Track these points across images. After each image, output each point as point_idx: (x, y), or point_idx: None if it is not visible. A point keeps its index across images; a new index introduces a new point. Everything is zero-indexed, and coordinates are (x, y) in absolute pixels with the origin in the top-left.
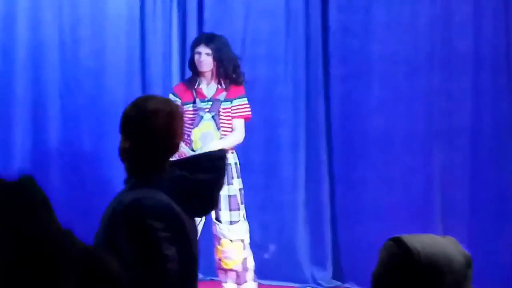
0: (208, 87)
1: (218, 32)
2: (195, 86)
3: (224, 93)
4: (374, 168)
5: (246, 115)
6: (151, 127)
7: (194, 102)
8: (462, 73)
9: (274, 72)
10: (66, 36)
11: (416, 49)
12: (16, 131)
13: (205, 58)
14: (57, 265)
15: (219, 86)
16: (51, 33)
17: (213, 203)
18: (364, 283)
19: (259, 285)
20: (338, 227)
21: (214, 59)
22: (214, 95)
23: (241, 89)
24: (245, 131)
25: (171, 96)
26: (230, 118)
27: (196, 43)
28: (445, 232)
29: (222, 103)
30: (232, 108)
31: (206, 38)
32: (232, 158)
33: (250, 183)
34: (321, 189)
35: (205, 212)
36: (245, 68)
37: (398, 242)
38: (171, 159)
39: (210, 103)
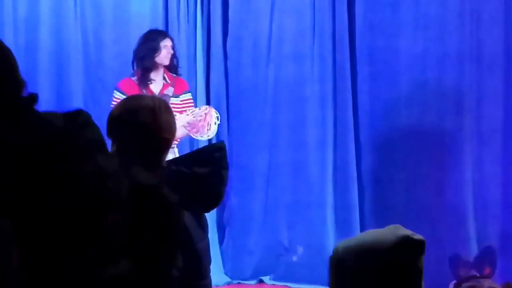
0: (156, 83)
1: (243, 31)
2: (148, 83)
3: (171, 88)
4: (403, 167)
5: None
6: (135, 125)
7: None
8: (491, 70)
9: (300, 71)
10: (89, 38)
11: (444, 46)
12: None
13: (171, 51)
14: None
15: (165, 81)
16: (75, 35)
17: (217, 197)
18: None
19: (287, 287)
20: (367, 227)
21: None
22: (161, 90)
23: (186, 84)
24: (272, 131)
25: (115, 93)
26: (177, 113)
27: (162, 37)
28: (478, 231)
29: (171, 98)
30: (180, 102)
31: (166, 33)
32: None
33: (278, 183)
34: (350, 189)
35: (209, 206)
36: (271, 68)
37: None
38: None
39: None
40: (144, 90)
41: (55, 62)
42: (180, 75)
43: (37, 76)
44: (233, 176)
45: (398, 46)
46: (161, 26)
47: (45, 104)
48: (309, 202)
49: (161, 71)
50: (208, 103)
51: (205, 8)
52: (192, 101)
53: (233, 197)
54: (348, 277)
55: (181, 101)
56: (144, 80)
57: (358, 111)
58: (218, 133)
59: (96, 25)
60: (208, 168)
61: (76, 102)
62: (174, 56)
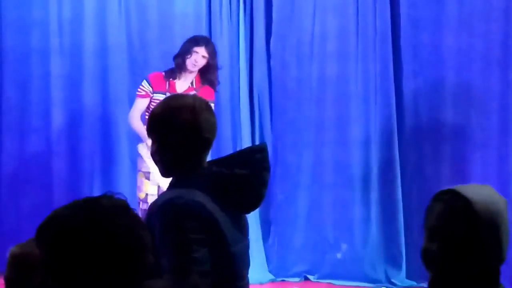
0: (182, 83)
1: (286, 30)
2: (171, 78)
3: (194, 93)
4: (447, 164)
5: None
6: (174, 124)
7: (165, 93)
8: None
9: (344, 69)
10: (134, 39)
11: (488, 42)
12: (86, 133)
13: (201, 60)
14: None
15: (191, 85)
16: (119, 36)
17: (258, 199)
18: None
19: (332, 285)
20: (412, 225)
21: (208, 62)
22: (184, 91)
23: (211, 93)
24: (316, 129)
25: (143, 82)
26: None
27: (197, 43)
28: None
29: None
30: None
31: (206, 42)
32: None
33: (322, 181)
34: (394, 187)
35: (249, 208)
36: (314, 66)
37: (455, 194)
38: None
39: None
40: (167, 84)
41: (100, 63)
42: (216, 88)
43: (82, 78)
44: (278, 174)
45: (442, 43)
46: (204, 26)
47: (90, 105)
48: (353, 199)
49: (192, 74)
50: (251, 101)
51: (248, 7)
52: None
53: (278, 195)
54: (478, 233)
55: None
56: (170, 74)
57: (401, 108)
58: (262, 132)
59: (140, 25)
60: (249, 170)
61: (122, 103)
62: (210, 67)
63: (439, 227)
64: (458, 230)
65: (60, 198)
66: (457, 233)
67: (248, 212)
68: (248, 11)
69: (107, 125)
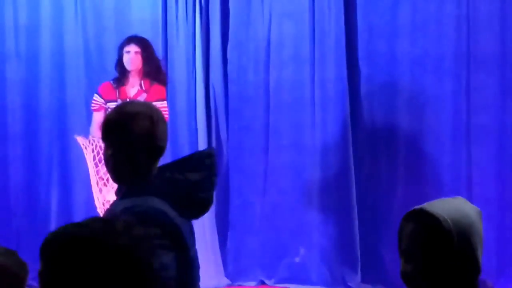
0: (131, 88)
1: (243, 36)
2: (120, 85)
3: (144, 95)
4: (401, 169)
5: None
6: (131, 130)
7: (117, 101)
8: (488, 72)
9: (300, 75)
10: (90, 44)
11: (442, 49)
12: (43, 138)
13: (134, 56)
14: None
15: (140, 88)
16: (76, 41)
17: (208, 203)
18: (393, 286)
19: None
20: (368, 229)
21: (142, 57)
22: (134, 95)
23: (162, 92)
24: (272, 134)
25: (95, 96)
26: None
27: (126, 43)
28: None
29: None
30: None
31: (135, 38)
32: None
33: (279, 185)
34: (349, 191)
35: (201, 213)
36: (271, 71)
37: (424, 213)
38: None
39: None
40: (117, 92)
41: (56, 68)
42: (166, 82)
43: (39, 82)
44: (235, 179)
45: (397, 49)
46: (160, 32)
47: (46, 109)
48: (309, 204)
49: (138, 76)
50: (207, 106)
51: (204, 13)
52: (165, 108)
53: (234, 199)
54: (451, 249)
55: None
56: (118, 82)
57: (356, 113)
58: (218, 137)
59: (97, 31)
60: (199, 174)
61: (78, 108)
62: (148, 61)
63: (411, 248)
64: (430, 249)
65: (17, 203)
66: (430, 252)
67: (198, 217)
68: (204, 17)
69: (64, 130)
